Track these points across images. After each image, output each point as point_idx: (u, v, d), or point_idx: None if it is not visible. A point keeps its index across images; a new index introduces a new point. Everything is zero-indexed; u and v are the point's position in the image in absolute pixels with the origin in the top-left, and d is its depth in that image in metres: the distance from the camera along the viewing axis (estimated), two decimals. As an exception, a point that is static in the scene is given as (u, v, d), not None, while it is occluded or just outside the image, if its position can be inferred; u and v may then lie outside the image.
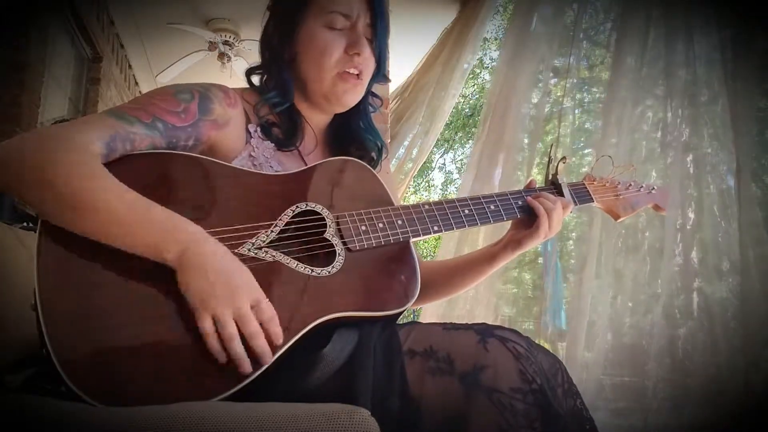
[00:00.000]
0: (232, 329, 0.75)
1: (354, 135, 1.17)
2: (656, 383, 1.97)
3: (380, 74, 1.13)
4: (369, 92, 1.17)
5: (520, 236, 1.12)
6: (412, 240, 1.00)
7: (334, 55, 1.05)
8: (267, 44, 1.11)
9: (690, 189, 2.14)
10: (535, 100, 2.67)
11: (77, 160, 0.78)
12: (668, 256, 2.10)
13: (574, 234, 2.60)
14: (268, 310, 0.78)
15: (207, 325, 0.74)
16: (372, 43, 1.08)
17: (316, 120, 1.14)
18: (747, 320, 1.93)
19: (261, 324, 0.77)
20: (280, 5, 1.11)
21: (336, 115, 1.16)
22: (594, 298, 2.21)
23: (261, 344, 0.76)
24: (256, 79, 1.13)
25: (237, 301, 0.76)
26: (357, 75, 1.07)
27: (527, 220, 1.12)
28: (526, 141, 2.69)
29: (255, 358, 0.76)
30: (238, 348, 0.75)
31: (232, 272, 0.78)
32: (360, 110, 1.17)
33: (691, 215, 2.11)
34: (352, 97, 1.09)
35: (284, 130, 1.08)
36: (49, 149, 0.78)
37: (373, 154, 1.18)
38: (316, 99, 1.09)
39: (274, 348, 0.78)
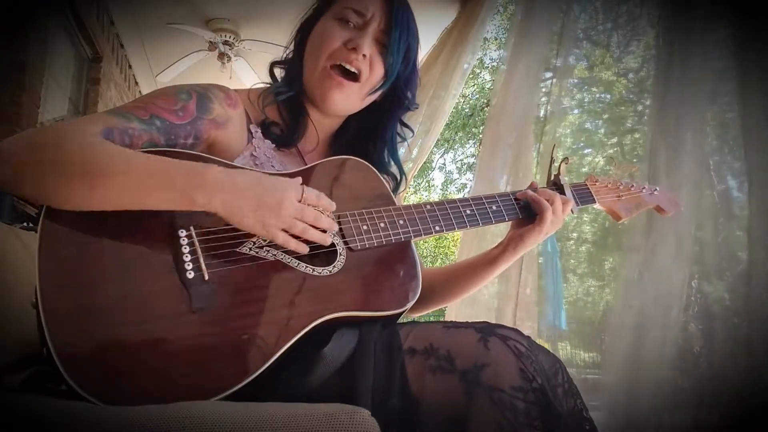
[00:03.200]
0: (301, 226, 0.86)
1: (371, 160, 1.12)
2: (658, 383, 1.96)
3: (386, 83, 1.07)
4: (399, 121, 1.16)
5: (521, 232, 1.11)
6: (414, 240, 1.00)
7: (332, 45, 1.03)
8: (296, 34, 1.12)
9: (690, 189, 2.14)
10: (535, 100, 2.67)
11: (85, 142, 0.79)
12: (668, 255, 2.09)
13: (574, 234, 2.60)
14: (311, 192, 0.88)
15: (282, 238, 0.85)
16: (383, 49, 1.05)
17: (320, 122, 1.12)
18: (749, 321, 1.93)
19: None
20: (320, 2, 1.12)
21: (355, 135, 1.15)
22: (594, 299, 2.20)
23: (325, 221, 0.89)
24: (277, 73, 1.13)
25: (288, 205, 0.84)
26: (354, 75, 1.04)
27: (527, 220, 1.11)
28: (526, 141, 2.68)
29: (327, 231, 0.89)
30: (314, 233, 0.87)
31: (267, 186, 0.85)
32: (385, 136, 1.15)
33: (692, 215, 2.11)
34: (339, 98, 1.05)
35: (285, 126, 1.08)
36: (56, 139, 0.79)
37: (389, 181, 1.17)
38: (311, 95, 1.08)
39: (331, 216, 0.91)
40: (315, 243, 0.88)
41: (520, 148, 2.60)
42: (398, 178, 1.18)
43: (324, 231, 0.89)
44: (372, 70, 1.05)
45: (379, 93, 1.09)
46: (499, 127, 2.69)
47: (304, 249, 0.87)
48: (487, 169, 2.69)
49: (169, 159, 0.81)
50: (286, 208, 0.84)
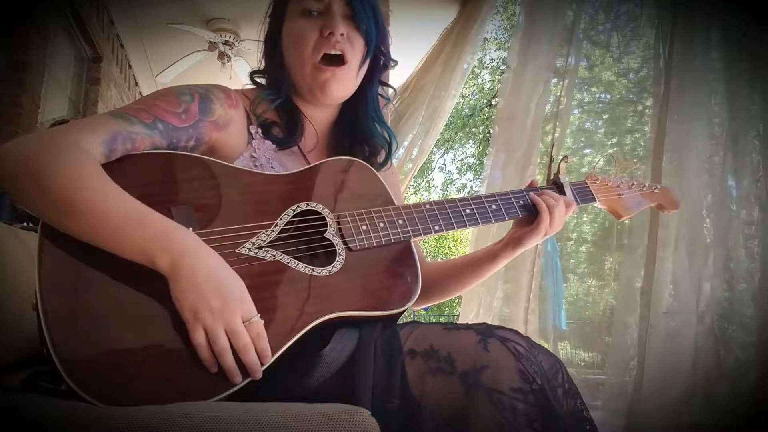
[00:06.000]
0: (224, 343, 0.75)
1: (361, 130, 1.14)
2: (659, 384, 1.96)
3: (369, 51, 1.07)
4: (378, 81, 1.15)
5: (520, 233, 1.12)
6: (413, 239, 1.00)
7: (310, 41, 1.03)
8: (265, 47, 1.12)
9: (690, 189, 2.14)
10: (535, 100, 2.67)
11: (74, 163, 0.78)
12: (666, 254, 2.09)
13: (574, 234, 2.60)
14: (258, 326, 0.78)
15: (200, 338, 0.74)
16: (354, 22, 1.05)
17: (316, 116, 1.12)
18: (751, 321, 1.93)
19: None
20: (274, 9, 1.11)
21: (344, 111, 1.15)
22: (594, 299, 2.20)
23: (251, 358, 0.76)
24: (262, 81, 1.13)
25: (229, 316, 0.75)
26: (341, 58, 1.04)
27: (528, 219, 1.12)
28: (526, 141, 2.69)
29: (245, 371, 0.76)
30: (229, 361, 0.75)
31: (227, 285, 0.77)
32: (366, 100, 1.14)
33: (692, 215, 2.11)
34: (337, 86, 1.05)
35: (284, 127, 1.08)
36: (47, 153, 0.78)
37: (383, 149, 1.17)
38: (305, 93, 1.08)
39: (262, 363, 0.78)
40: (224, 370, 0.75)
41: (527, 149, 2.60)
42: (388, 139, 1.18)
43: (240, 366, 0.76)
44: (353, 45, 1.05)
45: (366, 63, 1.09)
46: (505, 129, 2.69)
47: (211, 368, 0.75)
48: (494, 171, 2.70)
49: (145, 214, 0.78)
50: (224, 317, 0.75)
